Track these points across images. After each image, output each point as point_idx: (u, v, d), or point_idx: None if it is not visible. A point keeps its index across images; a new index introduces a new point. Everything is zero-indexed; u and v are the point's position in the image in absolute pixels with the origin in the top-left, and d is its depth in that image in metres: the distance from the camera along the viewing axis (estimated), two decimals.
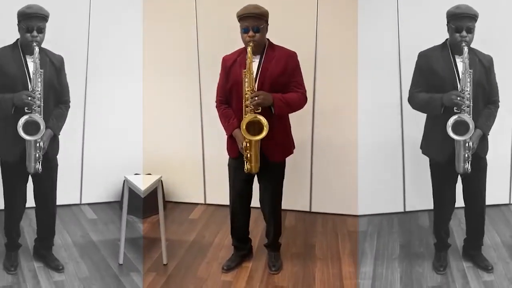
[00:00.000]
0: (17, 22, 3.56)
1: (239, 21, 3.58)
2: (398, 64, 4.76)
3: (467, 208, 3.91)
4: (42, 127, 3.47)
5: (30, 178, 3.79)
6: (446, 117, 3.48)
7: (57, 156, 3.84)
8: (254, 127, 3.54)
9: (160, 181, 4.10)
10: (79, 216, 4.94)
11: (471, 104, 3.47)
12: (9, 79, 3.54)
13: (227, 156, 3.92)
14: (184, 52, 5.08)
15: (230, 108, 3.74)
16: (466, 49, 3.45)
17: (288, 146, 3.86)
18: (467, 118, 3.43)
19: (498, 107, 3.71)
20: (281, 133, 3.74)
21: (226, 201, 4.05)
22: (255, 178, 3.92)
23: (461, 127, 3.44)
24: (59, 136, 3.81)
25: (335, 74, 4.84)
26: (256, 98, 3.50)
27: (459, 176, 3.77)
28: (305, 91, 3.76)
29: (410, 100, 3.80)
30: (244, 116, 3.55)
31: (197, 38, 5.02)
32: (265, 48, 3.65)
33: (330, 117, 4.93)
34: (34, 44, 3.48)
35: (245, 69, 3.54)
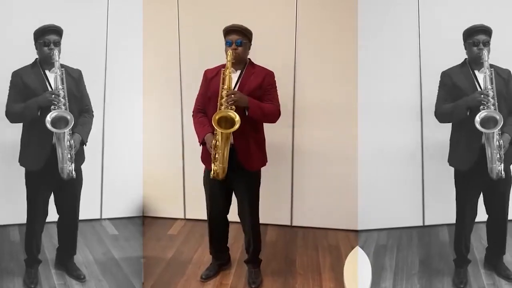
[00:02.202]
0: (34, 42, 3.68)
1: (224, 36, 3.73)
2: (418, 59, 4.77)
3: (490, 218, 3.93)
4: (69, 118, 3.48)
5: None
6: (470, 122, 3.49)
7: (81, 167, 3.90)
8: (226, 124, 3.57)
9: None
10: (100, 231, 4.97)
11: (496, 103, 3.50)
12: (31, 92, 3.63)
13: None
14: (165, 68, 5.13)
15: (206, 117, 3.82)
16: (485, 52, 3.54)
17: (262, 157, 3.93)
18: (494, 112, 3.45)
19: None
20: (255, 143, 3.81)
21: (206, 216, 4.06)
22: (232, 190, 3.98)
23: (489, 123, 3.44)
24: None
25: (317, 74, 4.86)
26: (233, 96, 3.57)
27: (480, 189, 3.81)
28: (279, 106, 3.86)
29: (436, 114, 3.86)
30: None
31: (179, 56, 5.07)
32: (245, 66, 3.79)
33: (313, 126, 4.93)
34: (53, 54, 3.58)
35: (223, 68, 3.65)
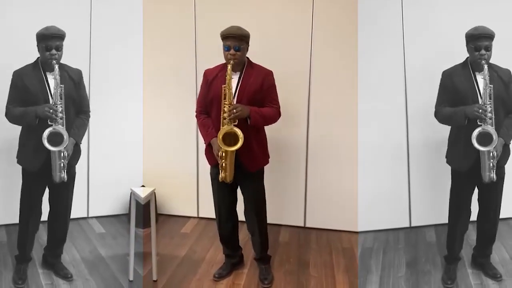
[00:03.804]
0: (36, 43, 3.72)
1: (222, 39, 3.77)
2: (403, 68, 4.77)
3: (481, 215, 3.97)
4: (65, 137, 3.60)
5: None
6: (468, 128, 3.61)
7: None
8: (230, 138, 3.68)
9: (153, 194, 4.08)
10: (87, 230, 4.96)
11: (493, 116, 3.58)
12: (31, 95, 3.70)
13: None
14: (181, 66, 5.13)
15: (210, 118, 3.89)
16: (486, 66, 3.60)
17: (264, 157, 4.01)
18: (491, 129, 3.55)
19: None
20: (257, 144, 3.89)
21: (214, 213, 4.09)
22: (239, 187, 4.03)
23: (485, 138, 3.55)
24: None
25: (331, 80, 4.87)
26: (235, 111, 3.66)
27: (475, 187, 3.88)
28: (279, 107, 3.94)
29: (436, 115, 3.93)
30: (221, 126, 3.69)
31: (195, 55, 5.09)
32: (244, 66, 3.84)
33: (326, 128, 4.94)
34: (54, 61, 3.64)
35: (225, 84, 3.70)
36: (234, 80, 3.78)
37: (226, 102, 3.68)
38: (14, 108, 3.72)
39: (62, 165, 3.68)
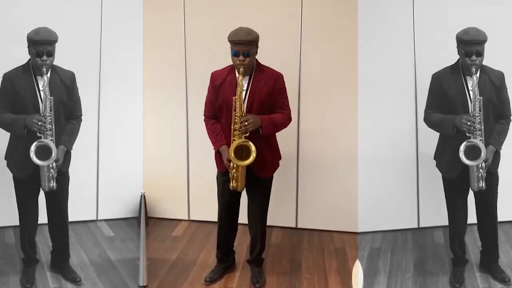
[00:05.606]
0: (27, 45, 3.65)
1: (230, 43, 3.69)
2: (413, 70, 4.77)
3: (480, 222, 3.95)
4: (53, 153, 3.56)
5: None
6: (456, 138, 3.59)
7: (69, 169, 3.90)
8: (242, 149, 3.64)
9: (143, 197, 4.07)
10: (96, 233, 4.95)
11: (482, 127, 3.54)
12: (20, 100, 3.65)
13: (212, 172, 4.00)
14: (171, 67, 5.12)
15: (219, 123, 3.84)
16: (475, 77, 3.54)
17: (275, 162, 3.98)
18: (479, 143, 3.50)
19: (510, 121, 3.78)
20: (268, 150, 3.86)
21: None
22: (243, 193, 3.98)
23: (473, 150, 3.50)
24: (72, 150, 3.87)
25: (323, 74, 4.86)
26: (246, 123, 3.62)
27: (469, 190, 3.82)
28: (290, 111, 3.90)
29: (425, 120, 3.92)
30: (232, 138, 3.65)
31: (185, 56, 5.07)
32: (253, 70, 3.77)
33: (318, 127, 4.95)
34: (44, 69, 3.58)
35: (235, 96, 3.65)
36: (243, 84, 3.70)
37: (237, 114, 3.63)
38: (3, 114, 3.67)
39: (51, 175, 3.64)
